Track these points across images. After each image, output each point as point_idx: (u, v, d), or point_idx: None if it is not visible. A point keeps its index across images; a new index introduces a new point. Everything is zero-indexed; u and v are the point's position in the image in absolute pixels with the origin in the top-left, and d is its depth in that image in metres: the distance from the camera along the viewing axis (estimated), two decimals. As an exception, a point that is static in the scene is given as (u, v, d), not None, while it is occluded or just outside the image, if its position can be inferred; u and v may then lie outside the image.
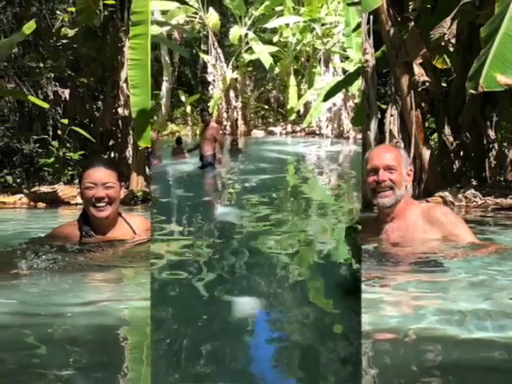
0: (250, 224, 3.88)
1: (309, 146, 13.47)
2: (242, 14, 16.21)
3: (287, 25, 16.07)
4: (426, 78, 5.49)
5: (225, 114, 16.73)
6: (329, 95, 8.28)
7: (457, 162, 6.47)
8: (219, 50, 16.46)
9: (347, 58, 14.39)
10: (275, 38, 16.72)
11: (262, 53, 15.41)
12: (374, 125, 5.83)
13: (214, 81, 16.48)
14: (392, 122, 5.70)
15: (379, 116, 6.03)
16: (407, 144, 5.57)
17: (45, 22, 8.46)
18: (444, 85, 6.98)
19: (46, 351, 1.44)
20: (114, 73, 7.52)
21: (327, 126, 15.91)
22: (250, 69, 17.99)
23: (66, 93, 8.27)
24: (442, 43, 5.31)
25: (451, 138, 6.31)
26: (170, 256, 2.82)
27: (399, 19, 5.81)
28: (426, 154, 5.65)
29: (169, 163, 9.05)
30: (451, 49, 5.78)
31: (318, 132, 16.45)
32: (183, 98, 17.32)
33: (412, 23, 5.54)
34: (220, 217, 4.21)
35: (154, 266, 2.36)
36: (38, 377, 1.27)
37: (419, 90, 5.58)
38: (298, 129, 17.35)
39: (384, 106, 6.48)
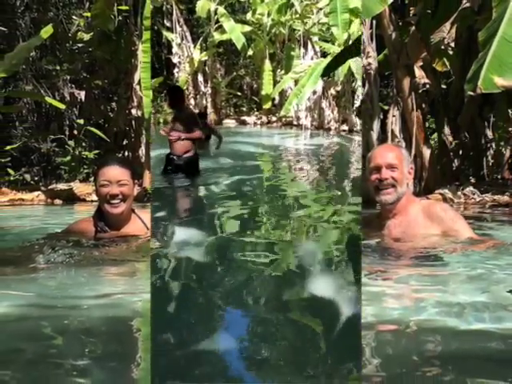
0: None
1: (286, 139, 12.08)
2: (210, -13, 13.57)
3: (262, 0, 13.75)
4: (427, 80, 5.54)
5: (192, 101, 14.27)
6: (328, 69, 7.28)
7: (456, 160, 6.50)
8: (185, 28, 14.13)
9: (327, 40, 12.66)
10: (248, 16, 14.45)
11: (234, 31, 13.22)
12: (376, 125, 5.86)
13: (179, 63, 14.18)
14: (394, 123, 5.75)
15: (381, 117, 6.09)
16: (408, 143, 5.61)
17: (61, 26, 8.46)
18: (444, 86, 7.01)
19: (63, 342, 1.49)
20: (127, 75, 7.57)
21: (306, 116, 13.86)
22: (220, 50, 15.64)
23: (81, 94, 8.30)
24: (442, 47, 5.37)
25: (450, 138, 6.35)
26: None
27: (400, 24, 5.86)
28: (427, 153, 5.70)
29: None
30: (451, 52, 5.87)
31: (295, 123, 14.38)
32: (145, 82, 15.41)
33: (413, 27, 5.57)
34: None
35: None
36: (55, 366, 1.33)
37: (420, 91, 5.63)
38: (274, 119, 15.20)
39: (386, 107, 6.52)
